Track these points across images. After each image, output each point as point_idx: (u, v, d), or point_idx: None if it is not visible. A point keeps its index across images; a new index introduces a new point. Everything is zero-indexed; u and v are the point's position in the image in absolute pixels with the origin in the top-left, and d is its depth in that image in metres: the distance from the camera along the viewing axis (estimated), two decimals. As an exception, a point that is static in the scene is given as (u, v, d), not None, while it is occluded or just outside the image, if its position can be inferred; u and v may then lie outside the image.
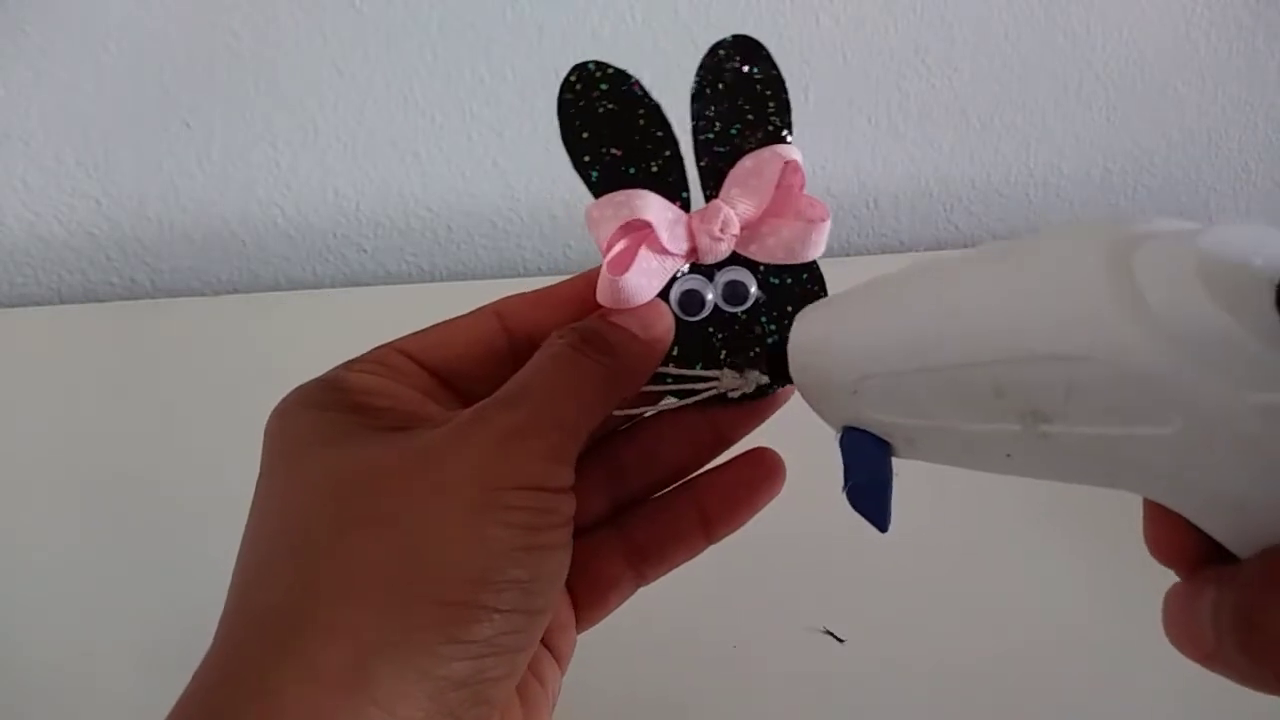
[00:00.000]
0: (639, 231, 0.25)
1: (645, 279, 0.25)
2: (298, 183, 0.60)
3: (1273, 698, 0.17)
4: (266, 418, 0.24)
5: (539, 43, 0.60)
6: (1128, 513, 0.44)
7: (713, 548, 0.30)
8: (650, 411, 0.27)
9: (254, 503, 0.22)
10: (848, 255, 0.72)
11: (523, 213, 0.64)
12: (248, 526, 0.22)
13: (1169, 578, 0.40)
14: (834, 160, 0.69)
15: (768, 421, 0.28)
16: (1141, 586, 0.37)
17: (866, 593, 0.36)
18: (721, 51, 0.26)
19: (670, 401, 0.27)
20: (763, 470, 0.27)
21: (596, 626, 0.29)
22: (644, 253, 0.25)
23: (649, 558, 0.27)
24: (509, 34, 0.59)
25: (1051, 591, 0.37)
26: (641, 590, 0.29)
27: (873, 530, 0.23)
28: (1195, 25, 0.71)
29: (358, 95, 0.59)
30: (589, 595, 0.27)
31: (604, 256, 0.25)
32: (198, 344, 0.52)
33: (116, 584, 0.36)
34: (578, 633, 0.27)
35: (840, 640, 0.34)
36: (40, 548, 0.38)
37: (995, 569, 0.38)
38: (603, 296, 0.25)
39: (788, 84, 0.27)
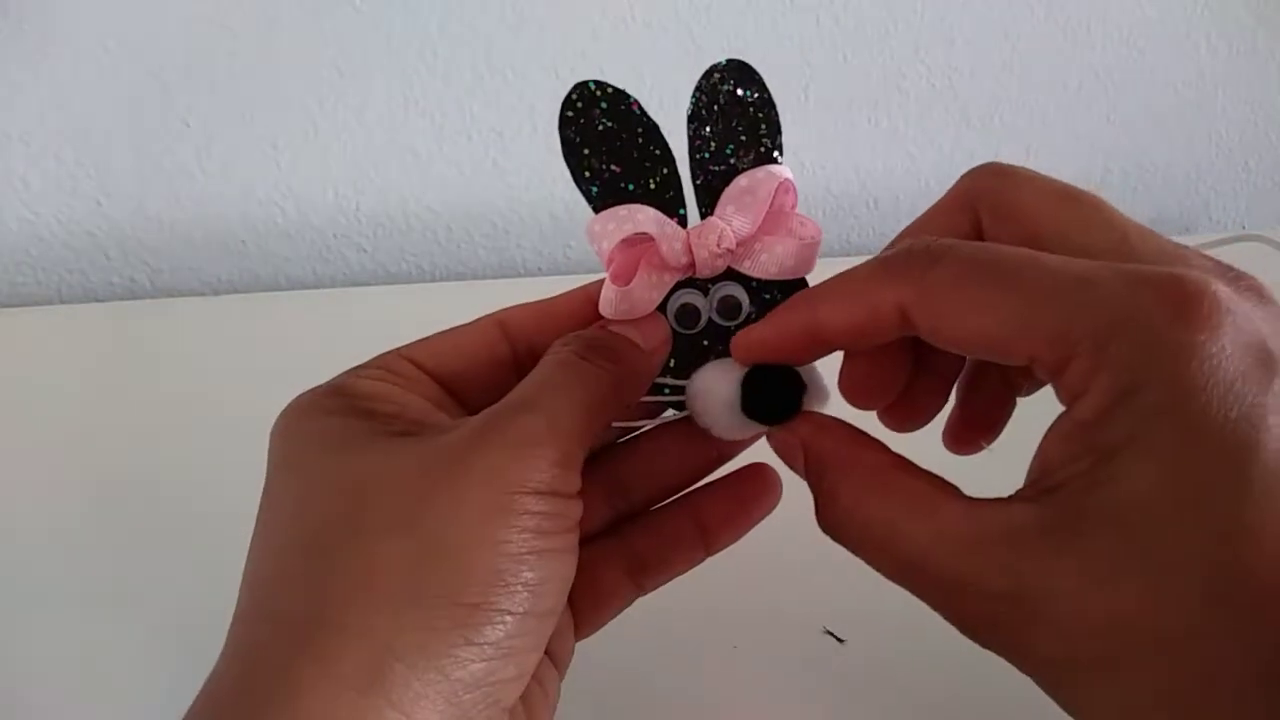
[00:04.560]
0: (640, 245, 0.26)
1: (647, 292, 0.26)
2: (298, 183, 0.60)
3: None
4: (267, 417, 0.24)
5: (539, 43, 0.60)
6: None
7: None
8: (650, 424, 0.28)
9: (263, 505, 0.23)
10: (848, 255, 0.72)
11: (523, 213, 0.64)
12: (258, 528, 0.22)
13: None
14: (834, 160, 0.69)
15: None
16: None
17: (866, 593, 0.36)
18: (717, 74, 0.27)
19: (670, 413, 0.28)
20: (760, 485, 0.28)
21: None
22: (645, 266, 0.26)
23: (648, 568, 0.28)
24: (509, 34, 0.59)
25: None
26: (642, 590, 0.29)
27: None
28: (1195, 25, 0.71)
29: (358, 95, 0.59)
30: (588, 603, 0.27)
31: (606, 269, 0.26)
32: (198, 344, 0.52)
33: (117, 584, 0.36)
34: (576, 640, 0.28)
35: (840, 640, 0.34)
36: (40, 548, 0.38)
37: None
38: (605, 308, 0.25)
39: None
